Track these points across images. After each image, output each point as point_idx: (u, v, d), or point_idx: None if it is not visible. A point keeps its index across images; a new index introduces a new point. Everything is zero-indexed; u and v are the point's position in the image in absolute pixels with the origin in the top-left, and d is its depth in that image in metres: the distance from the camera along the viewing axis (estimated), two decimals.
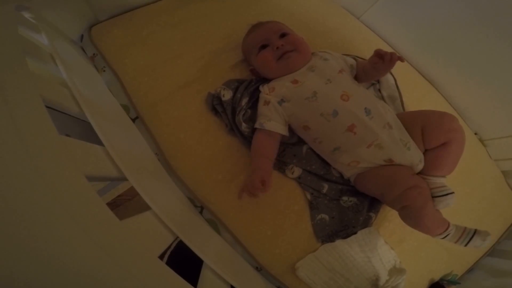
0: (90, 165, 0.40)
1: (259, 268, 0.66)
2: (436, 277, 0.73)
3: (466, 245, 0.59)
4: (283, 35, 0.69)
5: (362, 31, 0.94)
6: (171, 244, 0.49)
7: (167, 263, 0.39)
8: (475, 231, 0.58)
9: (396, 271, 0.69)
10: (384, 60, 0.61)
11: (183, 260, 0.51)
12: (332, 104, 0.60)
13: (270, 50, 0.67)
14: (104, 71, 0.71)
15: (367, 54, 0.84)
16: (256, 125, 0.65)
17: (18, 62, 0.36)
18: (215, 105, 0.68)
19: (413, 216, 0.59)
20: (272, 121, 0.63)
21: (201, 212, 0.66)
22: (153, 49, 0.74)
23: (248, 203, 0.65)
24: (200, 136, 0.67)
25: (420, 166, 0.62)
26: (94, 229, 0.30)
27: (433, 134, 0.60)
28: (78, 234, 0.28)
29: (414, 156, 0.61)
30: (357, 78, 0.70)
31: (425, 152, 0.63)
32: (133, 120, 0.68)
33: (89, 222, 0.30)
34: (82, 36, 0.75)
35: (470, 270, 0.77)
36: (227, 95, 0.68)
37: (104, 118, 0.50)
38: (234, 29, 0.81)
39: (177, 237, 0.47)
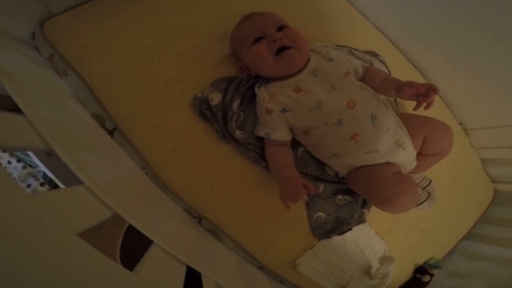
0: (78, 216, 0.35)
1: (261, 267, 0.67)
2: (420, 261, 0.81)
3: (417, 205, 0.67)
4: (281, 28, 0.61)
5: (357, 19, 0.88)
6: None
7: None
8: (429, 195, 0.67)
9: (386, 259, 0.75)
10: (419, 94, 0.54)
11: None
12: (337, 113, 0.57)
13: (266, 43, 0.59)
14: (66, 74, 0.60)
15: (363, 45, 0.81)
16: (261, 134, 0.61)
17: None
18: (203, 110, 0.62)
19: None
20: (278, 130, 0.60)
21: (199, 222, 0.64)
22: (123, 46, 0.63)
23: (247, 209, 0.65)
24: (189, 145, 0.62)
25: (413, 165, 0.64)
26: None
27: (434, 146, 0.63)
28: None
29: (409, 156, 0.63)
30: (370, 86, 0.65)
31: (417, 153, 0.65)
32: (111, 131, 0.60)
33: None
34: (33, 33, 0.61)
35: (449, 254, 0.85)
36: (216, 99, 0.62)
37: (77, 147, 0.43)
38: (219, 18, 0.71)
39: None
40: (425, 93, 0.53)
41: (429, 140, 0.63)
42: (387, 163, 0.60)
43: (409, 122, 0.63)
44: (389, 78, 0.64)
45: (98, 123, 0.60)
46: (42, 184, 0.83)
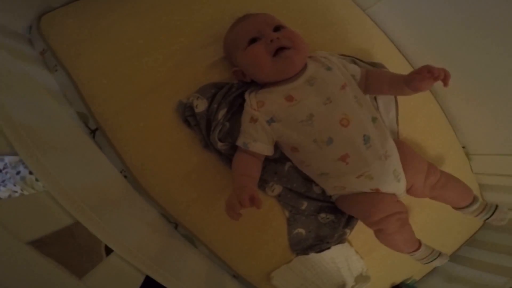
0: (30, 224, 0.34)
1: (236, 276, 0.67)
2: (398, 281, 0.80)
3: (426, 263, 0.65)
4: (277, 29, 0.58)
5: (368, 26, 0.82)
6: None
7: None
8: (439, 254, 0.63)
9: (361, 278, 0.74)
10: (432, 76, 0.51)
11: None
12: (329, 130, 0.54)
13: (263, 44, 0.55)
14: (56, 70, 0.60)
15: (370, 55, 0.77)
16: (239, 143, 0.58)
17: None
18: (187, 116, 0.61)
19: (386, 238, 0.62)
20: (258, 142, 0.57)
21: (176, 228, 0.64)
22: (114, 44, 0.62)
23: (225, 220, 0.63)
24: (171, 152, 0.61)
25: (403, 195, 0.62)
26: None
27: (421, 194, 0.63)
28: None
29: (401, 187, 0.60)
30: (367, 89, 0.62)
31: None
32: (94, 131, 0.60)
33: None
34: (31, 27, 0.61)
35: (428, 274, 0.83)
36: (200, 106, 0.60)
37: (48, 150, 0.42)
38: (215, 19, 0.67)
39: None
40: (430, 76, 0.51)
41: (417, 189, 0.62)
42: (383, 192, 0.58)
43: (405, 157, 0.60)
44: (395, 76, 0.60)
45: (82, 121, 0.60)
46: (31, 173, 0.85)
